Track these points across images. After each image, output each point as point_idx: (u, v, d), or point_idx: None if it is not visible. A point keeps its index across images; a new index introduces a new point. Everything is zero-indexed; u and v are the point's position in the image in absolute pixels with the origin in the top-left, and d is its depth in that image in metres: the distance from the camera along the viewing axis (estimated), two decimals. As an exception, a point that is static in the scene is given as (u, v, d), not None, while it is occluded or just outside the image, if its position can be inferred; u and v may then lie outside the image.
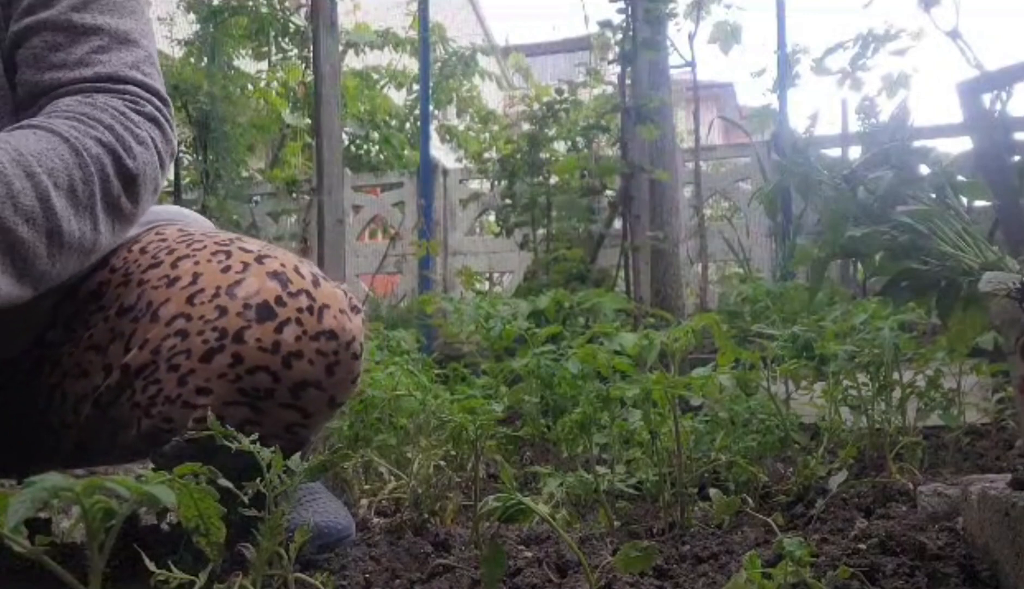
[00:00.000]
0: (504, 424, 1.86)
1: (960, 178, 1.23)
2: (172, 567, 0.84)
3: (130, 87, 1.15)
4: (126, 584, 1.00)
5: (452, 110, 8.43)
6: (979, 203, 1.36)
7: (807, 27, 12.86)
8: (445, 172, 6.68)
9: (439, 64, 7.97)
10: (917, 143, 1.28)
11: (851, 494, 1.55)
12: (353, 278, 6.34)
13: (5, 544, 0.60)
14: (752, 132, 5.69)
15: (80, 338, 1.18)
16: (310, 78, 5.63)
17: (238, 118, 6.67)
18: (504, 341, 2.56)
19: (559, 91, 5.37)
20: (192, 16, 7.00)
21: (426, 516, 1.52)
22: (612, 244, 4.49)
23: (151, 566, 0.82)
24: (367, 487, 1.73)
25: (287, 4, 7.19)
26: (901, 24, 8.19)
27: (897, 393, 1.81)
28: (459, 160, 8.11)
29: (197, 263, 1.13)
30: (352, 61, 7.94)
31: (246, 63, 7.52)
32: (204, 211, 5.67)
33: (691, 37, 4.94)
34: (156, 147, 1.15)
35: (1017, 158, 1.23)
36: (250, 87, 7.35)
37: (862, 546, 1.16)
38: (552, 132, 5.31)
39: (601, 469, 1.62)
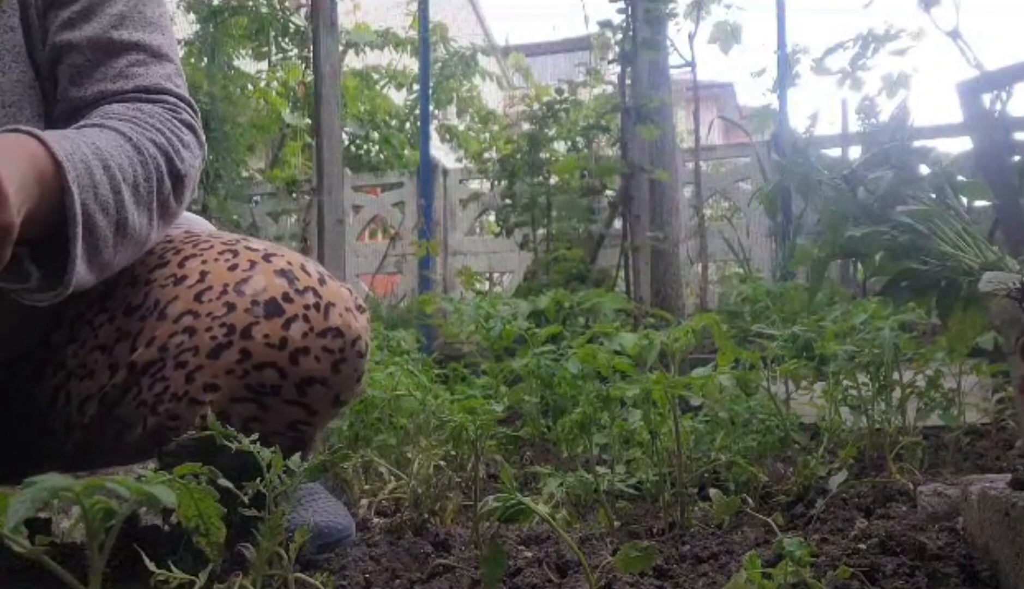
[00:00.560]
0: (504, 424, 1.86)
1: (960, 178, 1.23)
2: (172, 567, 0.84)
3: (167, 97, 1.19)
4: (126, 584, 1.00)
5: (452, 110, 8.41)
6: (979, 203, 1.37)
7: (807, 27, 12.88)
8: (445, 172, 6.68)
9: (439, 64, 7.97)
10: (917, 143, 1.28)
11: (851, 494, 1.55)
12: (353, 278, 6.33)
13: (5, 544, 0.60)
14: (752, 132, 5.68)
15: (85, 339, 1.19)
16: (310, 78, 5.63)
17: (238, 118, 6.68)
18: (504, 341, 2.56)
19: (559, 91, 5.37)
20: (192, 16, 7.01)
21: (426, 516, 1.52)
22: (612, 244, 4.49)
23: (151, 566, 0.82)
24: (367, 487, 1.73)
25: (287, 4, 7.19)
26: (901, 24, 8.22)
27: (897, 393, 1.81)
28: (459, 160, 8.09)
29: (204, 262, 1.15)
30: (352, 61, 7.93)
31: (246, 63, 7.52)
32: (204, 211, 5.69)
33: (691, 37, 4.93)
34: (196, 151, 1.19)
35: (1017, 158, 1.23)
36: (250, 87, 7.36)
37: (862, 546, 1.16)
38: (552, 132, 5.31)
39: (601, 469, 1.62)
